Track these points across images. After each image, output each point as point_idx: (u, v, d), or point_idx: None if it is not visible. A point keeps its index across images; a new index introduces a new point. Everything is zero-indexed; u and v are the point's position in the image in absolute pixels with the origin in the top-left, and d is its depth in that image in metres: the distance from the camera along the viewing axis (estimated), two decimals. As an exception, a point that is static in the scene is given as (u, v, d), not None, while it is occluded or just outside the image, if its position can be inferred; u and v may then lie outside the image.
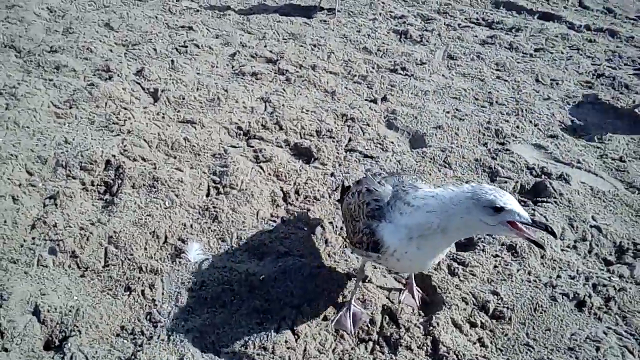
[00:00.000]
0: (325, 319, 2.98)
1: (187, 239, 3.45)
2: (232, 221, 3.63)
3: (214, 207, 3.72)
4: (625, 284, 3.27)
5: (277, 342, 2.77)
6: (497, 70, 6.13)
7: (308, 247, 3.49)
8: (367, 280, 3.24)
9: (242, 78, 5.64)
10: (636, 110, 5.29)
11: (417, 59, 6.23)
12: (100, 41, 6.21)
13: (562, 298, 3.16)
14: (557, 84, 5.85)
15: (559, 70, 6.18)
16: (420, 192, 2.48)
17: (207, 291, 3.11)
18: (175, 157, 4.29)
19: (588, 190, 4.15)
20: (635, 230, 3.76)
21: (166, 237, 3.46)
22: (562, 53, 6.59)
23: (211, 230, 3.54)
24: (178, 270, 3.23)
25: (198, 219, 3.65)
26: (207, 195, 3.92)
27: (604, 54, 6.61)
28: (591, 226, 3.76)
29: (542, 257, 3.47)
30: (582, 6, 8.41)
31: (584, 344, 2.88)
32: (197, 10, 7.47)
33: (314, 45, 6.46)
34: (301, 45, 6.46)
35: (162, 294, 3.08)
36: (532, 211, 3.84)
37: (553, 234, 2.23)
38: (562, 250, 3.56)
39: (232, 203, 3.78)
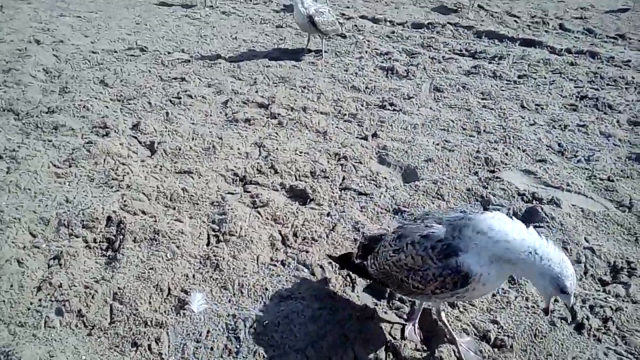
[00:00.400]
0: (329, 360, 3.03)
1: (190, 289, 3.52)
2: (233, 268, 3.70)
3: (214, 256, 3.80)
4: (622, 304, 3.33)
5: (284, 388, 2.82)
6: (482, 99, 6.29)
7: (309, 289, 3.55)
8: (369, 318, 3.30)
9: (235, 125, 5.79)
10: (621, 128, 5.43)
11: (404, 94, 6.41)
12: (96, 98, 6.41)
13: (561, 322, 3.22)
14: (542, 108, 6.00)
15: (543, 94, 6.35)
16: (485, 225, 2.46)
17: (212, 341, 3.16)
18: (174, 208, 4.39)
19: (579, 212, 4.24)
20: (628, 249, 3.83)
21: (169, 290, 3.53)
22: (545, 78, 6.78)
23: (213, 279, 3.61)
24: (183, 321, 3.29)
25: (200, 268, 3.72)
26: (208, 244, 4.00)
27: (585, 75, 6.80)
28: (585, 248, 3.83)
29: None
30: (563, 29, 8.69)
31: (586, 367, 2.94)
32: (189, 61, 7.70)
33: (304, 87, 6.64)
34: (291, 88, 6.65)
35: (169, 347, 3.13)
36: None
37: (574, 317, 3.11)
38: (558, 274, 3.61)
39: (232, 250, 3.86)
